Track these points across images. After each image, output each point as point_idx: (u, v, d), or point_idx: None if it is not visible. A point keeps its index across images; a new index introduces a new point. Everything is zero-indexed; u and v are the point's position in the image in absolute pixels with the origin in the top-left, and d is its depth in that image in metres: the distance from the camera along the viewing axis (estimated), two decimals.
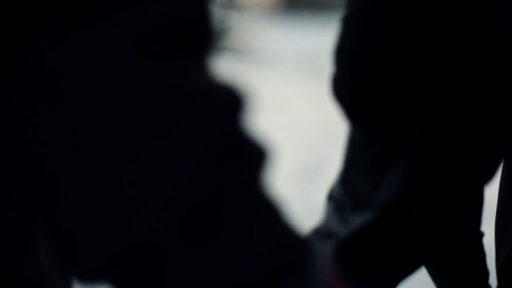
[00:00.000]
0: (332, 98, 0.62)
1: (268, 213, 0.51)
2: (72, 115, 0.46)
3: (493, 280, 0.67)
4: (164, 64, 0.47)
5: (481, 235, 0.65)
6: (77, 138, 0.46)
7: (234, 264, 0.49)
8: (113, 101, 0.46)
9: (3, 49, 0.47)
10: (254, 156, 0.50)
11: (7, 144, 0.48)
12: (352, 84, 0.60)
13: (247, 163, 0.49)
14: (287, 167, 4.73)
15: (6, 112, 0.48)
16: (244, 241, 0.49)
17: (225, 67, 0.50)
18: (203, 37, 0.49)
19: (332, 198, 0.64)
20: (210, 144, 0.48)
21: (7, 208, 0.59)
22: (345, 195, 0.62)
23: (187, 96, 0.48)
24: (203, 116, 0.48)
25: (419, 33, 0.57)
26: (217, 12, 0.52)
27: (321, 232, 0.63)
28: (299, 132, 6.22)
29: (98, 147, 0.46)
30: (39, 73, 0.47)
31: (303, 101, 7.52)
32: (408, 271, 0.63)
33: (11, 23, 0.47)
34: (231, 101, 0.49)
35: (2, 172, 0.52)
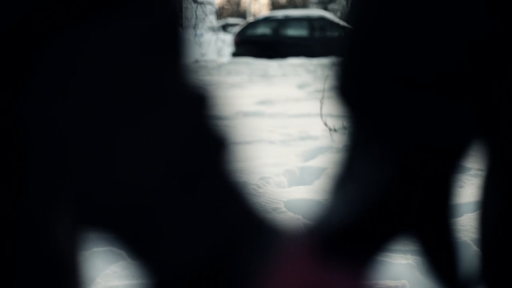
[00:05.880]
0: (336, 96, 0.64)
1: (229, 192, 0.57)
2: (88, 101, 0.52)
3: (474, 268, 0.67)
4: (156, 60, 0.53)
5: (452, 217, 0.66)
6: (92, 120, 0.52)
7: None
8: (121, 89, 0.53)
9: (23, 49, 0.51)
10: (219, 145, 0.57)
11: (32, 132, 0.54)
12: (357, 85, 0.62)
13: (214, 150, 0.56)
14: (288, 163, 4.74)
15: (30, 106, 0.53)
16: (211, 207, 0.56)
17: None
18: (178, 41, 0.56)
19: (334, 186, 0.65)
20: (189, 128, 0.55)
21: (28, 193, 0.62)
22: (346, 183, 0.64)
23: (176, 87, 0.55)
24: (185, 106, 0.55)
25: (422, 42, 0.58)
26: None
27: (323, 214, 0.64)
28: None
29: (107, 128, 0.53)
30: (57, 69, 0.51)
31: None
32: (386, 245, 0.64)
33: (28, 25, 0.50)
34: (203, 98, 0.57)
35: (27, 158, 0.57)
